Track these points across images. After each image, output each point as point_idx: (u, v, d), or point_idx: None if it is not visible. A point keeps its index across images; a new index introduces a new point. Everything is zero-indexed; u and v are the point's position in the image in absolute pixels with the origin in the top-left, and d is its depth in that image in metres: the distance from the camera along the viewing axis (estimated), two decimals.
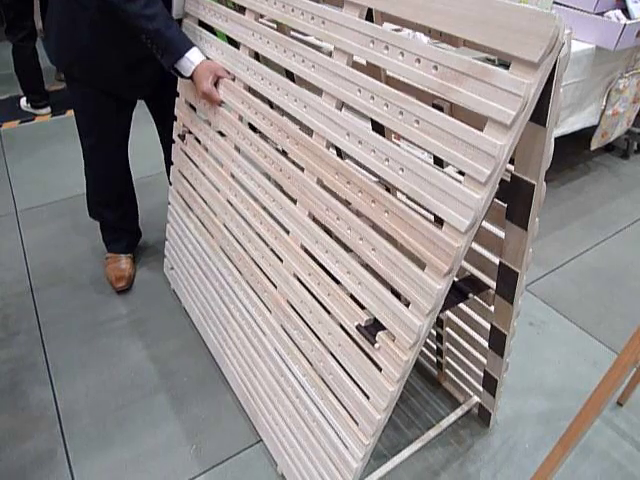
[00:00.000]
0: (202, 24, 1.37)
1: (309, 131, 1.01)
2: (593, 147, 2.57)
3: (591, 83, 2.29)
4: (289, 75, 1.29)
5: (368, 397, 0.98)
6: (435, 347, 1.44)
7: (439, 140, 0.73)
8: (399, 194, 1.05)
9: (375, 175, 0.87)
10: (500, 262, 0.95)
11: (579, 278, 2.03)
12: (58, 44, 1.43)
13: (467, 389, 1.44)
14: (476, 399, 1.46)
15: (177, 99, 1.54)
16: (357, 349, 0.99)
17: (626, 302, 1.91)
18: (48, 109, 3.14)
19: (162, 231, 2.11)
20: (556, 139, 2.45)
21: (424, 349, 1.55)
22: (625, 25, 2.02)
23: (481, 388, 1.32)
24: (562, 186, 2.63)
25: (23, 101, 3.15)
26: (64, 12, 1.37)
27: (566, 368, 1.62)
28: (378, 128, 1.06)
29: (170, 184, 1.71)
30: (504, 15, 0.62)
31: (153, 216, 2.19)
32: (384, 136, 0.90)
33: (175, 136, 1.60)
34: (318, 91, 0.96)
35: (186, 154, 1.55)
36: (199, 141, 1.47)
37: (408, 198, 0.98)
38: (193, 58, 1.27)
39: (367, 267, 0.94)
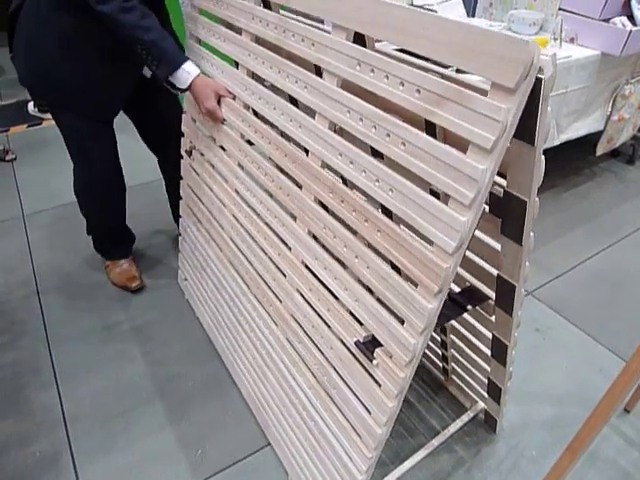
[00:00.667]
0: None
1: (305, 150, 1.03)
2: (599, 153, 2.55)
3: (597, 89, 2.28)
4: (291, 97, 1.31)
5: (369, 412, 0.99)
6: (441, 353, 1.44)
7: (424, 162, 0.74)
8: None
9: (367, 196, 0.88)
10: (498, 275, 0.95)
11: (584, 284, 2.01)
12: (27, 67, 1.45)
13: (473, 395, 1.44)
14: (482, 405, 1.46)
15: (183, 116, 1.57)
16: (357, 364, 1.00)
17: (632, 308, 1.89)
18: None
19: (167, 236, 2.16)
20: (561, 145, 2.44)
21: (430, 355, 1.55)
22: (631, 31, 2.03)
23: (486, 395, 1.32)
24: (567, 192, 2.61)
25: (30, 105, 3.21)
26: (32, 32, 1.38)
27: (572, 374, 1.61)
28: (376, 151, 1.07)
29: (177, 197, 1.75)
30: (481, 41, 0.63)
31: (152, 221, 2.24)
32: (383, 158, 0.91)
33: (183, 152, 1.63)
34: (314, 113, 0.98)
35: (194, 170, 1.58)
36: (205, 157, 1.49)
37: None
38: (190, 69, 1.27)
39: (364, 284, 0.95)
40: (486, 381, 1.28)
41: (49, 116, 3.37)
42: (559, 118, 2.23)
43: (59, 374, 1.59)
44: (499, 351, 1.11)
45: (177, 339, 1.72)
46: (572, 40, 2.21)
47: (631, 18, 2.13)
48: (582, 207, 2.49)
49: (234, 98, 1.27)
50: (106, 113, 1.58)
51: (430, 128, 0.80)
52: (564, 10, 2.20)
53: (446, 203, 0.72)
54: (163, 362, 1.64)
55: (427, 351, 1.55)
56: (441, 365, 1.51)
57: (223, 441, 1.41)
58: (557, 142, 2.30)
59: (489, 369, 1.23)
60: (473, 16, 2.59)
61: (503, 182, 0.82)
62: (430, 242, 0.77)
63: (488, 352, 1.18)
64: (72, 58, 1.40)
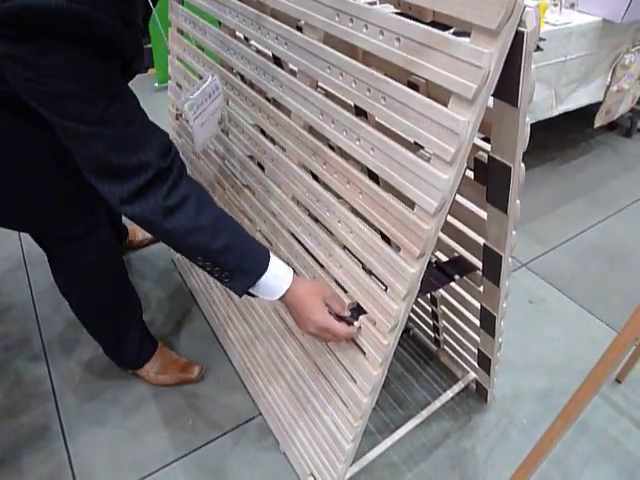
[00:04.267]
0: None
1: (288, 112, 0.98)
2: (597, 124, 2.50)
3: (597, 58, 2.22)
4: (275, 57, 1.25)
5: (355, 381, 0.97)
6: (432, 324, 1.42)
7: (405, 118, 0.70)
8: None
9: (349, 156, 0.84)
10: (484, 244, 0.92)
11: (579, 256, 1.99)
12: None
13: (464, 365, 1.42)
14: (473, 375, 1.44)
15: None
16: None
17: (626, 280, 1.87)
18: None
19: None
20: (558, 117, 2.38)
21: (422, 325, 1.53)
22: None
23: (477, 365, 1.30)
24: (564, 164, 2.57)
25: None
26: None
27: (565, 346, 1.59)
28: (361, 111, 1.02)
29: None
30: None
31: None
32: (367, 119, 0.86)
33: (170, 118, 1.59)
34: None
35: (179, 136, 1.54)
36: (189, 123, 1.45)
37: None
38: (280, 273, 0.88)
39: (348, 251, 0.92)
40: (476, 352, 1.26)
41: None
42: (558, 88, 2.16)
43: (47, 346, 1.58)
44: (487, 322, 1.09)
45: (168, 309, 1.70)
46: (572, 6, 2.13)
47: None
48: (578, 179, 2.47)
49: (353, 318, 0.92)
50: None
51: (414, 88, 0.75)
52: None
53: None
54: (154, 332, 1.61)
55: (419, 321, 1.53)
56: (433, 335, 1.49)
57: (214, 411, 1.40)
58: (556, 113, 2.24)
59: (479, 340, 1.20)
60: None
61: (488, 147, 0.78)
62: (412, 204, 0.73)
63: (478, 323, 1.15)
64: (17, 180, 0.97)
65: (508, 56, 0.58)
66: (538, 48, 1.82)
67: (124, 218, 1.84)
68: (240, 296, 0.89)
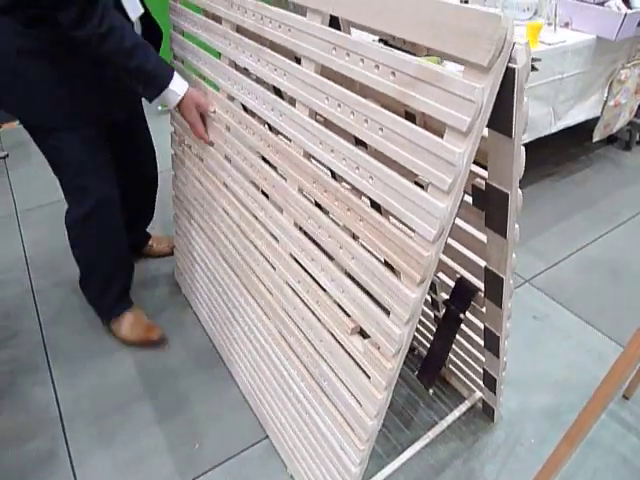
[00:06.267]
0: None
1: (288, 140, 1.01)
2: (595, 139, 2.52)
3: (592, 74, 2.26)
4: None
5: (360, 404, 0.98)
6: None
7: (402, 148, 0.71)
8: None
9: (349, 183, 0.86)
10: (485, 267, 0.93)
11: (582, 271, 1.99)
12: (8, 102, 1.28)
13: (470, 384, 1.42)
14: (479, 394, 1.44)
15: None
16: (346, 357, 0.98)
17: (630, 294, 1.86)
18: None
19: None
20: (558, 132, 2.40)
21: (427, 344, 1.53)
22: (626, 15, 2.00)
23: (483, 384, 1.30)
24: (564, 179, 2.59)
25: None
26: (21, 70, 1.21)
27: (571, 362, 1.59)
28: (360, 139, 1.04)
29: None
30: (453, 18, 0.60)
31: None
32: (366, 147, 0.88)
33: (173, 146, 1.62)
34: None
35: (183, 164, 1.56)
36: (193, 150, 1.48)
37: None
38: (177, 88, 1.23)
39: (350, 276, 0.93)
40: (482, 371, 1.26)
41: None
42: (556, 105, 2.19)
43: (55, 371, 1.59)
44: (491, 342, 1.09)
45: (174, 333, 1.71)
46: (567, 25, 2.17)
47: (626, 1, 2.09)
48: (579, 194, 2.47)
49: (214, 112, 1.27)
50: (101, 117, 1.37)
51: (410, 118, 0.78)
52: None
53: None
54: (160, 357, 1.63)
55: (424, 340, 1.53)
56: None
57: (221, 434, 1.40)
58: (554, 129, 2.27)
59: (484, 359, 1.21)
60: (466, 2, 2.54)
61: (485, 174, 0.80)
62: (412, 230, 0.75)
63: (482, 343, 1.16)
64: (52, 79, 1.24)
65: (501, 90, 0.60)
66: (533, 68, 1.85)
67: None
68: (150, 102, 1.27)
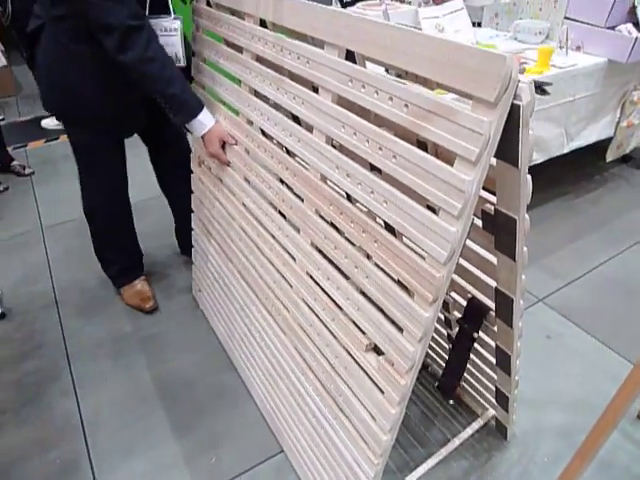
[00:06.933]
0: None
1: (305, 164, 1.06)
2: (609, 159, 2.55)
3: (604, 96, 2.29)
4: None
5: (374, 419, 1.01)
6: None
7: (415, 175, 0.76)
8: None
9: (364, 206, 0.90)
10: (496, 288, 0.96)
11: (596, 290, 1.99)
12: (49, 94, 1.49)
13: (483, 402, 1.44)
14: (492, 412, 1.45)
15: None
16: (361, 372, 1.01)
17: None
18: None
19: (174, 251, 2.20)
20: (571, 151, 2.43)
21: (441, 361, 1.55)
22: (637, 38, 2.06)
23: (496, 402, 1.31)
24: (578, 198, 2.60)
25: (44, 121, 3.34)
26: (52, 60, 1.41)
27: (584, 381, 1.59)
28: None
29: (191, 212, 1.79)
30: (461, 57, 0.64)
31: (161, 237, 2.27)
32: (381, 173, 0.93)
33: (193, 166, 1.68)
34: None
35: (203, 183, 1.62)
36: (213, 171, 1.53)
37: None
38: (205, 121, 1.34)
39: (365, 294, 0.97)
40: (494, 389, 1.28)
41: None
42: (568, 126, 2.23)
43: (77, 382, 1.65)
44: (503, 360, 1.12)
45: (192, 348, 1.76)
46: (578, 48, 2.21)
47: (637, 25, 2.14)
48: (593, 213, 2.48)
49: (236, 143, 1.35)
50: (122, 129, 1.64)
51: (422, 145, 0.82)
52: (569, 19, 2.22)
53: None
54: (179, 371, 1.67)
55: (437, 358, 1.55)
56: None
57: (237, 448, 1.44)
58: (567, 150, 2.30)
59: (496, 377, 1.23)
60: (479, 26, 2.60)
61: (494, 199, 0.84)
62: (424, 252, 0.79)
63: (494, 361, 1.18)
64: (92, 84, 1.42)
65: (507, 124, 0.65)
66: (545, 92, 1.89)
67: None
68: (179, 126, 1.39)
